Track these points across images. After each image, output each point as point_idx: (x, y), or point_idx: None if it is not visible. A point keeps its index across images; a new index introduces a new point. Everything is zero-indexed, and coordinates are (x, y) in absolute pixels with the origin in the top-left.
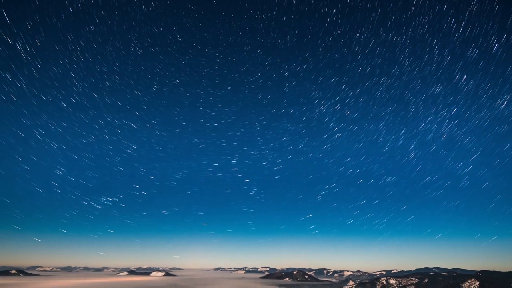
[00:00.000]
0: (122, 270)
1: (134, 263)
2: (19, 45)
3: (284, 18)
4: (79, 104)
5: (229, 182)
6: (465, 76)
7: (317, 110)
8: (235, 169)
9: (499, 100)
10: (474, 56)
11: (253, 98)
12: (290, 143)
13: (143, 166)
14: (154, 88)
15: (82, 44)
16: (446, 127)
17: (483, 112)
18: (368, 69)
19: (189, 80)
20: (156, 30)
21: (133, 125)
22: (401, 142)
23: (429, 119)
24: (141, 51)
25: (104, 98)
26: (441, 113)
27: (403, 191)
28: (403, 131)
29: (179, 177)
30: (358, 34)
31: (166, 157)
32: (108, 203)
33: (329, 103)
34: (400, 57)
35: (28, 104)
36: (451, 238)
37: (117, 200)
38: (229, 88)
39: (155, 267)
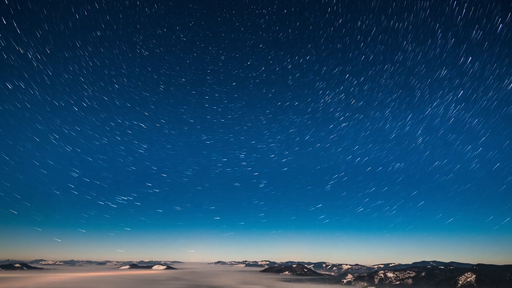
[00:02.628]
0: (124, 263)
1: (136, 257)
2: (30, 54)
3: (285, 11)
4: (90, 108)
5: (238, 176)
6: (470, 58)
7: (322, 100)
8: (244, 163)
9: (506, 81)
10: (479, 37)
11: (258, 93)
12: (296, 135)
13: (154, 165)
14: (161, 88)
15: (90, 49)
16: (453, 110)
17: (490, 94)
18: (371, 57)
19: (195, 78)
20: (160, 31)
21: (143, 125)
22: (408, 128)
23: (435, 103)
24: (146, 52)
25: (114, 101)
26: (447, 96)
27: (412, 177)
28: (410, 116)
29: (189, 173)
30: (359, 23)
31: (176, 155)
32: (123, 202)
33: (333, 93)
34: (403, 43)
35: (42, 110)
36: (463, 222)
37: (131, 198)
38: (234, 84)
39: (157, 261)
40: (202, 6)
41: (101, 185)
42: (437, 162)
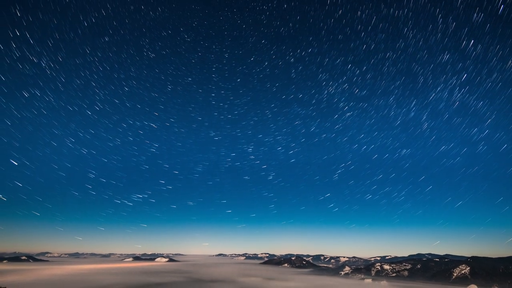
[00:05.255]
0: (128, 256)
1: (140, 250)
2: (43, 62)
3: (285, 6)
4: (102, 111)
5: (247, 170)
6: (472, 41)
7: (326, 91)
8: (252, 157)
9: (510, 62)
10: (480, 20)
11: (263, 87)
12: (302, 127)
13: (166, 163)
14: (169, 88)
15: (99, 54)
16: (458, 94)
17: (494, 75)
18: (373, 46)
19: (201, 77)
20: (165, 33)
21: (153, 125)
22: (412, 114)
23: (439, 88)
24: (153, 55)
25: (125, 103)
26: (451, 80)
27: (419, 162)
28: (414, 103)
29: (200, 169)
30: (359, 13)
31: (187, 152)
32: (138, 199)
33: (336, 84)
34: (404, 30)
35: (57, 116)
36: (472, 205)
37: (146, 196)
38: (238, 80)
39: (159, 253)
40: (204, 6)
41: (117, 184)
42: (443, 147)
